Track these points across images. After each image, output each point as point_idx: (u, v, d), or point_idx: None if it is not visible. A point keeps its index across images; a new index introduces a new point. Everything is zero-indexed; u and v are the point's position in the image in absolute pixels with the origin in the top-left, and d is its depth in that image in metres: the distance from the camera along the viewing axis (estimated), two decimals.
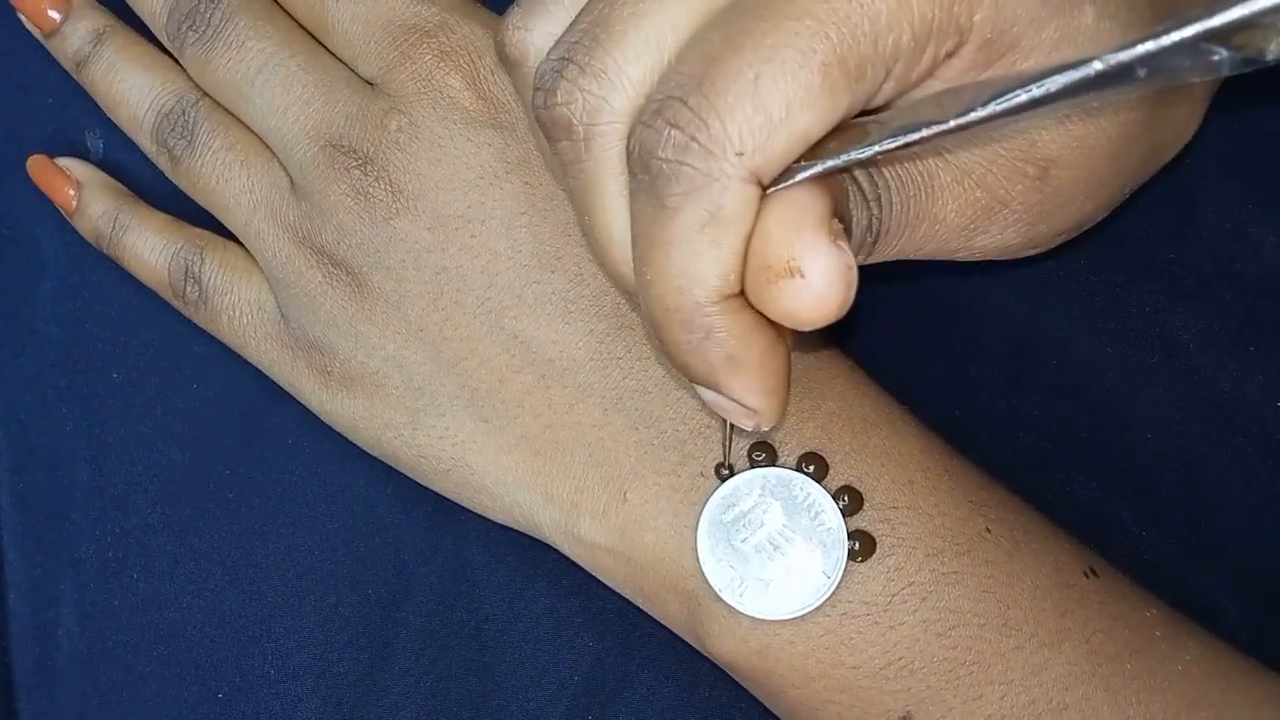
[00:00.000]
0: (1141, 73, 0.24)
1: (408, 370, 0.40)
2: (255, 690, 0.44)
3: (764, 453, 0.37)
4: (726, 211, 0.27)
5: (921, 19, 0.27)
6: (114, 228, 0.44)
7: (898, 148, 0.27)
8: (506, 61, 0.33)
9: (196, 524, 0.45)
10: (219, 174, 0.42)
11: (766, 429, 0.30)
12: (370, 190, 0.39)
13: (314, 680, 0.44)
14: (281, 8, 0.42)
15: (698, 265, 0.28)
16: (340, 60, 0.42)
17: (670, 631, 0.40)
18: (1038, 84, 0.25)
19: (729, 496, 0.37)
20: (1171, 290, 0.43)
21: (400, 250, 0.39)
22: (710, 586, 0.37)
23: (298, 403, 0.43)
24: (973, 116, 0.26)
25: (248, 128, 0.42)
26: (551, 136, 0.30)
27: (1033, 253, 0.35)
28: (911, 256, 0.33)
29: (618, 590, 0.40)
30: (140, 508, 0.45)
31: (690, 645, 0.40)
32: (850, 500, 0.36)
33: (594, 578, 0.40)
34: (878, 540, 0.36)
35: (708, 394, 0.30)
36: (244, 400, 0.45)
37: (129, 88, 0.43)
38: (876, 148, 0.27)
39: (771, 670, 0.37)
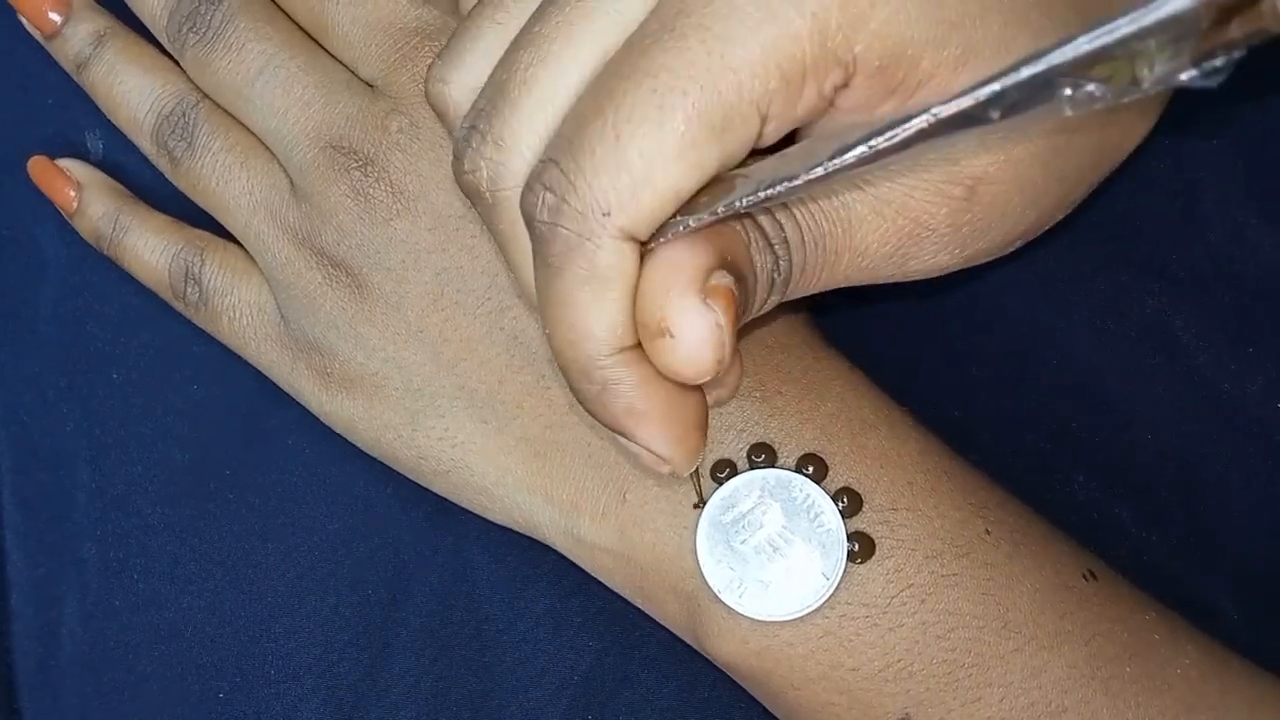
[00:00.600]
0: (995, 114, 0.23)
1: (407, 371, 0.40)
2: (256, 690, 0.44)
3: (763, 454, 0.37)
4: (603, 270, 0.27)
5: (790, 60, 0.27)
6: (114, 229, 0.44)
7: (757, 202, 0.27)
8: (434, 111, 0.33)
9: (197, 524, 0.45)
10: (219, 175, 0.42)
11: (682, 475, 0.31)
12: (371, 191, 0.39)
13: (314, 680, 0.44)
14: (282, 10, 0.42)
15: (585, 321, 0.28)
16: (341, 62, 0.42)
17: (670, 632, 0.40)
18: (881, 136, 0.25)
19: (728, 498, 0.37)
20: (1172, 291, 0.43)
21: (400, 251, 0.39)
22: (709, 587, 0.37)
23: (298, 404, 0.43)
24: (817, 172, 0.26)
25: (248, 129, 0.42)
26: (470, 201, 0.31)
27: (984, 261, 0.34)
28: (840, 285, 0.33)
29: (617, 591, 0.40)
30: (140, 508, 0.45)
31: (690, 645, 0.40)
32: (849, 502, 0.36)
33: (593, 578, 0.40)
34: (877, 542, 0.36)
35: (618, 439, 0.30)
36: (244, 401, 0.45)
37: (129, 90, 0.43)
38: (739, 203, 0.27)
39: (770, 671, 0.37)
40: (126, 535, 0.45)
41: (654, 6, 0.28)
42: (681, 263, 0.28)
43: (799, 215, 0.31)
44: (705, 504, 0.37)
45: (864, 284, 0.33)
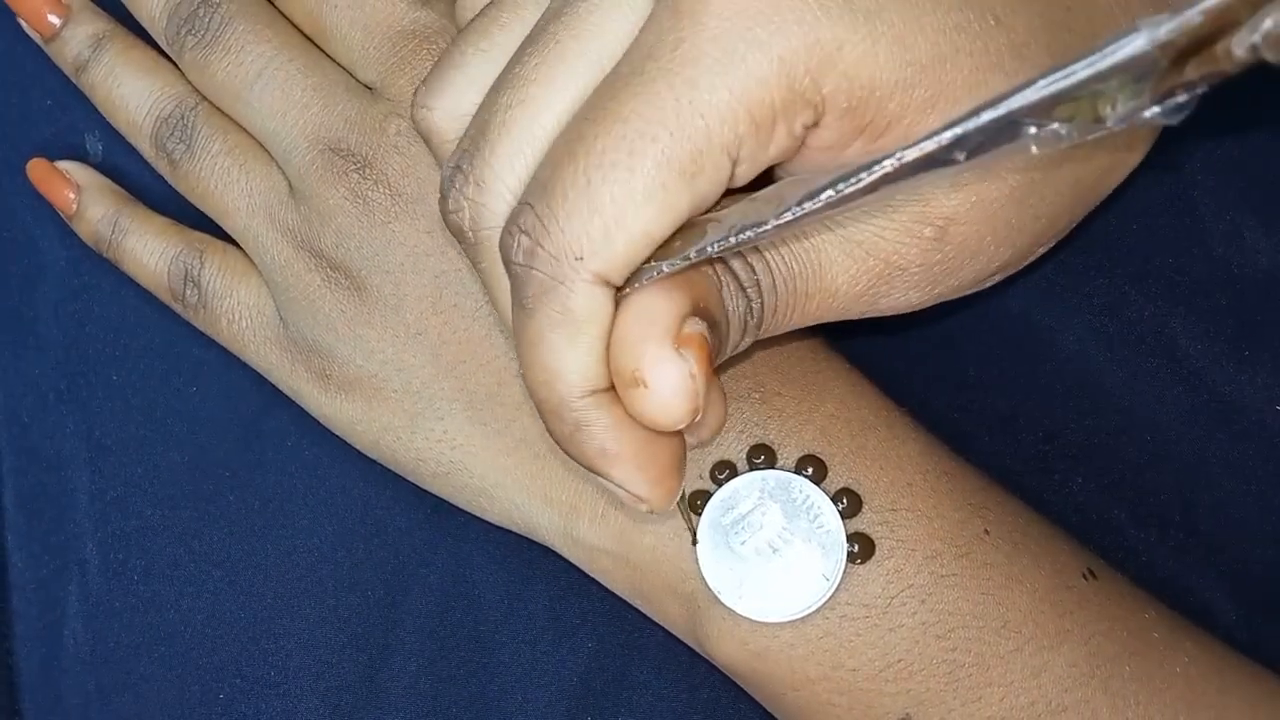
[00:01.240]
0: (960, 156, 0.24)
1: (407, 373, 0.40)
2: (255, 691, 0.44)
3: (763, 455, 0.37)
4: (576, 313, 0.28)
5: (759, 104, 0.27)
6: (114, 231, 0.44)
7: (729, 247, 0.27)
8: (420, 135, 0.34)
9: (196, 526, 0.45)
10: (218, 178, 0.42)
11: (660, 512, 0.31)
12: (369, 194, 0.39)
13: (313, 681, 0.44)
14: (281, 13, 0.42)
15: (558, 363, 0.28)
16: (339, 65, 0.42)
17: (669, 633, 0.40)
18: (847, 180, 0.25)
19: (728, 499, 0.37)
20: (1170, 294, 0.43)
21: (399, 253, 0.39)
22: (709, 589, 0.37)
23: (297, 405, 0.43)
24: (786, 217, 0.26)
25: (247, 132, 0.42)
26: (455, 239, 0.31)
27: (957, 296, 0.34)
28: (811, 324, 0.33)
29: (617, 592, 0.40)
30: (140, 510, 0.45)
31: (689, 647, 0.40)
32: (849, 502, 0.36)
33: (592, 579, 0.40)
34: (877, 542, 0.36)
35: (594, 478, 0.30)
36: (243, 403, 0.45)
37: (128, 92, 0.43)
38: (710, 248, 0.27)
39: (771, 673, 0.37)
40: (127, 536, 0.45)
41: (627, 49, 0.28)
42: (655, 312, 0.28)
43: (770, 258, 0.31)
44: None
45: (835, 320, 0.33)
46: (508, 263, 0.28)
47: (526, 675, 0.43)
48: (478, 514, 0.41)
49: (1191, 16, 0.21)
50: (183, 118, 0.43)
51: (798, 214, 0.26)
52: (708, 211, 0.29)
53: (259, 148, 0.42)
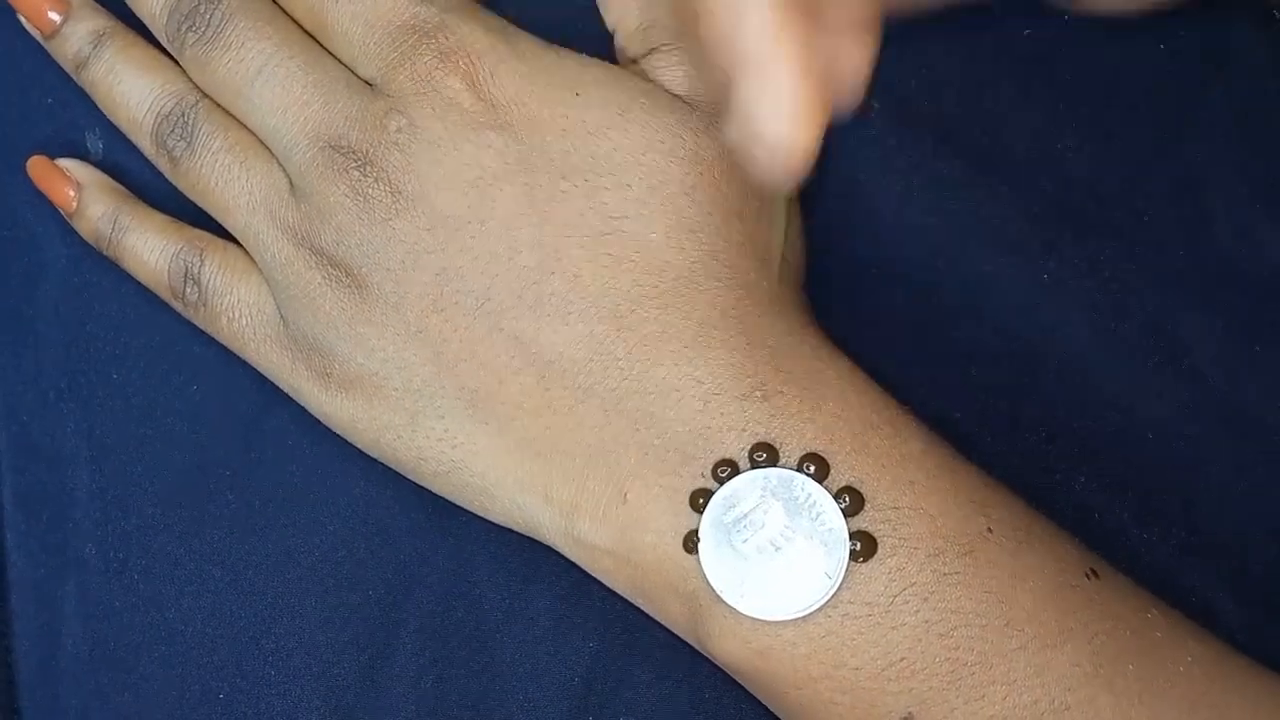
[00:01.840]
0: None
1: (407, 372, 0.39)
2: (256, 690, 0.44)
3: (765, 453, 0.37)
4: None
5: None
6: (114, 229, 0.44)
7: None
8: None
9: (196, 525, 0.44)
10: (218, 175, 0.42)
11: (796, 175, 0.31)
12: (369, 191, 0.39)
13: (314, 681, 0.43)
14: (282, 9, 0.42)
15: None
16: (340, 61, 0.41)
17: (671, 633, 0.40)
18: None
19: (730, 497, 0.37)
20: (1176, 291, 0.43)
21: (400, 251, 0.39)
22: (711, 587, 0.37)
23: (298, 404, 0.43)
24: None
25: (248, 129, 0.42)
26: None
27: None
28: None
29: (618, 591, 0.40)
30: (141, 508, 0.45)
31: (691, 647, 0.39)
32: (852, 500, 0.36)
33: (594, 579, 0.40)
34: (879, 541, 0.36)
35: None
36: (244, 402, 0.45)
37: (129, 89, 0.43)
38: None
39: (773, 672, 0.37)
40: (127, 535, 0.45)
41: None
42: None
43: None
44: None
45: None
46: None
47: (528, 675, 0.43)
48: (479, 513, 0.41)
49: None
50: (183, 115, 0.43)
51: None
52: None
53: (260, 145, 0.42)
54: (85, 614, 0.44)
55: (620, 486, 0.38)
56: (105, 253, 0.44)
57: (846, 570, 0.36)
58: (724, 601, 0.36)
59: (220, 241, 0.43)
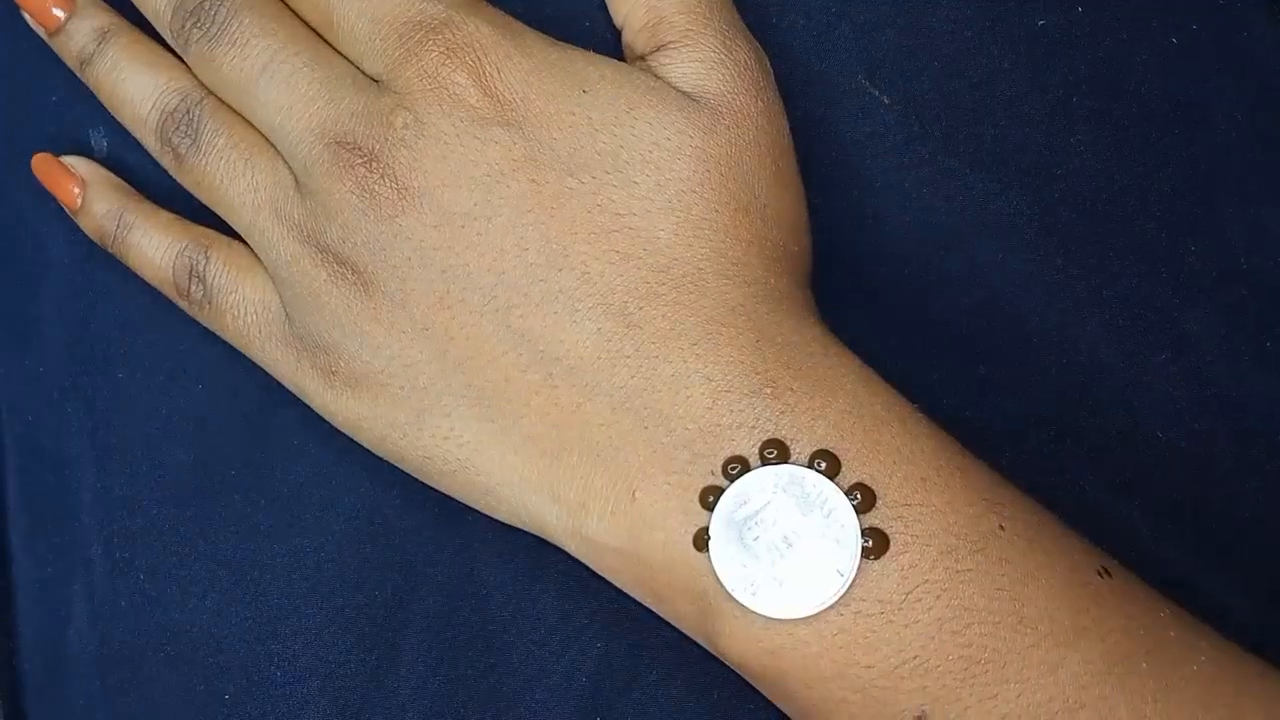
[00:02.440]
0: None
1: (413, 369, 0.39)
2: (262, 692, 0.44)
3: (776, 450, 0.36)
4: None
5: None
6: (118, 226, 0.44)
7: None
8: None
9: (202, 525, 0.44)
10: (223, 173, 0.42)
11: None
12: (375, 188, 0.39)
13: (321, 682, 0.43)
14: (288, 6, 0.42)
15: None
16: (346, 58, 0.41)
17: (680, 633, 0.40)
18: None
19: (740, 494, 0.36)
20: (1184, 287, 0.43)
21: (406, 248, 0.39)
22: (722, 586, 0.36)
23: (303, 403, 0.42)
24: None
25: (253, 126, 0.42)
26: None
27: None
28: None
29: (627, 591, 0.39)
30: (146, 508, 0.45)
31: (700, 647, 0.39)
32: (863, 497, 0.36)
33: (602, 579, 0.40)
34: (891, 538, 0.36)
35: None
36: (250, 401, 0.44)
37: (133, 86, 0.43)
38: None
39: (785, 671, 0.36)
40: (133, 536, 0.44)
41: None
42: None
43: None
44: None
45: None
46: None
47: (535, 676, 0.43)
48: (486, 512, 0.40)
49: None
50: (188, 112, 0.42)
51: None
52: None
53: (265, 142, 0.42)
54: (91, 614, 0.44)
55: (629, 484, 0.37)
56: (110, 250, 0.44)
57: (859, 567, 0.36)
58: (735, 600, 0.36)
59: (225, 239, 0.43)
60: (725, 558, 0.36)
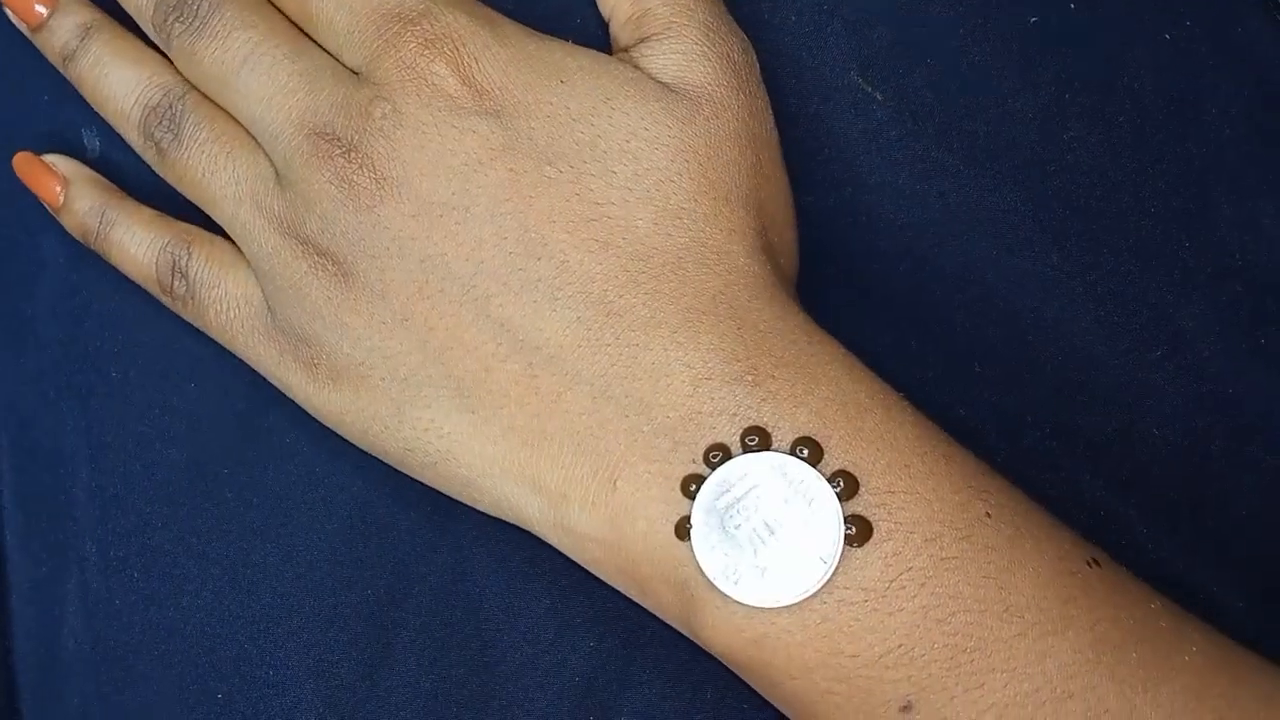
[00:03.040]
0: None
1: (393, 361, 0.39)
2: (255, 690, 0.44)
3: (757, 437, 0.36)
4: None
5: None
6: (101, 223, 0.44)
7: None
8: None
9: (195, 523, 0.44)
10: (205, 166, 0.42)
11: None
12: (354, 178, 0.39)
13: (313, 681, 0.43)
14: (269, 0, 0.42)
15: None
16: (326, 50, 0.42)
17: (672, 632, 0.39)
18: None
19: (722, 482, 0.36)
20: (1179, 283, 0.43)
21: (384, 238, 0.39)
22: (704, 574, 0.36)
23: (294, 401, 0.43)
24: None
25: (235, 120, 0.42)
26: None
27: None
28: None
29: (609, 581, 0.39)
30: (139, 507, 0.45)
31: (692, 644, 0.39)
32: (846, 484, 0.36)
33: (594, 577, 0.40)
34: (874, 525, 0.35)
35: None
36: (242, 399, 0.45)
37: (116, 82, 0.43)
38: None
39: (768, 661, 0.36)
40: (126, 534, 0.45)
41: None
42: None
43: None
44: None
45: None
46: None
47: (528, 675, 0.43)
48: (469, 504, 0.40)
49: None
50: (170, 106, 0.43)
51: None
52: None
53: (246, 135, 0.42)
54: (86, 612, 0.44)
55: (610, 474, 0.37)
56: (93, 247, 0.44)
57: (842, 555, 0.35)
58: (717, 589, 0.36)
59: (208, 234, 0.43)
60: (707, 546, 0.36)
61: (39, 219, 0.46)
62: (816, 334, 0.38)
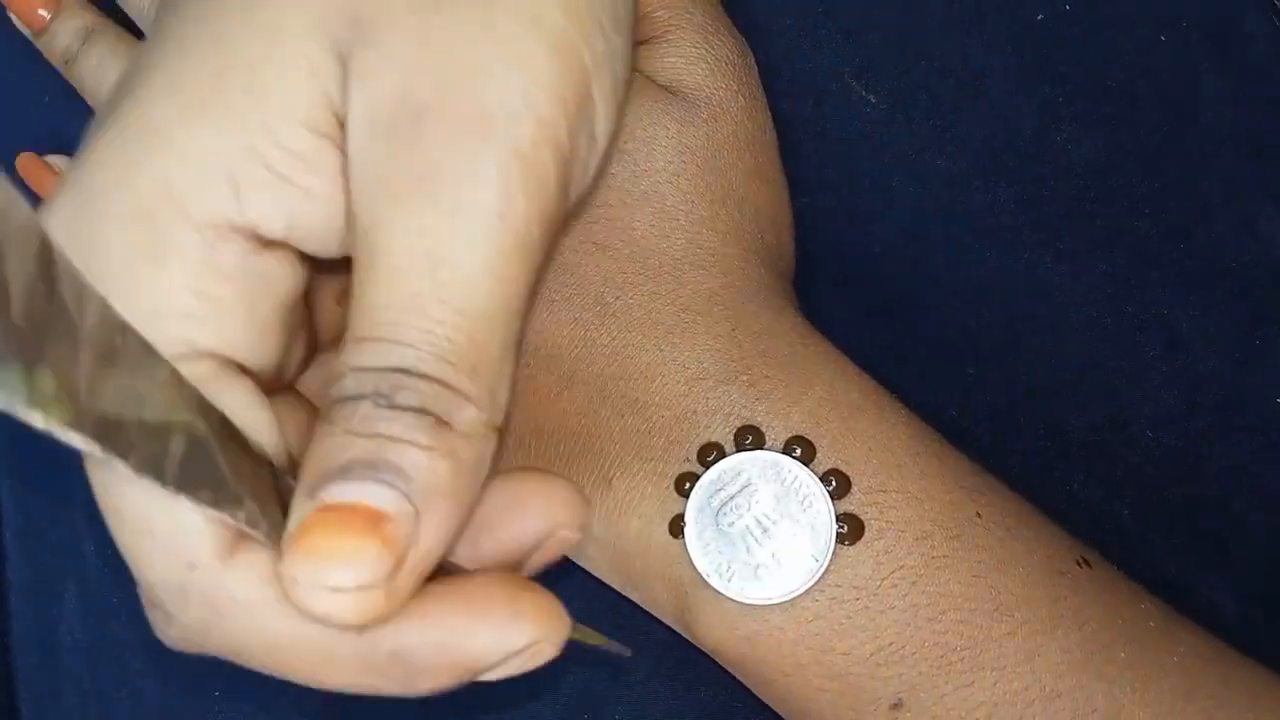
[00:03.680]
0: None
1: None
2: (250, 690, 0.44)
3: (751, 436, 0.37)
4: None
5: None
6: None
7: None
8: None
9: None
10: None
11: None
12: None
13: None
14: None
15: None
16: None
17: (669, 632, 0.39)
18: None
19: (715, 481, 0.36)
20: (1175, 284, 0.43)
21: None
22: (697, 572, 0.36)
23: None
24: None
25: None
26: None
27: None
28: None
29: (603, 579, 0.39)
30: None
31: (689, 645, 0.39)
32: (838, 483, 0.36)
33: (593, 577, 0.40)
34: (866, 524, 0.36)
35: None
36: None
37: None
38: None
39: (761, 658, 0.36)
40: None
41: None
42: None
43: None
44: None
45: None
46: None
47: (523, 675, 0.43)
48: None
49: None
50: None
51: None
52: None
53: None
54: (84, 612, 0.45)
55: (605, 472, 0.37)
56: None
57: (834, 553, 0.36)
58: (710, 586, 0.36)
59: None
60: (700, 544, 0.36)
61: None
62: (810, 335, 0.39)
